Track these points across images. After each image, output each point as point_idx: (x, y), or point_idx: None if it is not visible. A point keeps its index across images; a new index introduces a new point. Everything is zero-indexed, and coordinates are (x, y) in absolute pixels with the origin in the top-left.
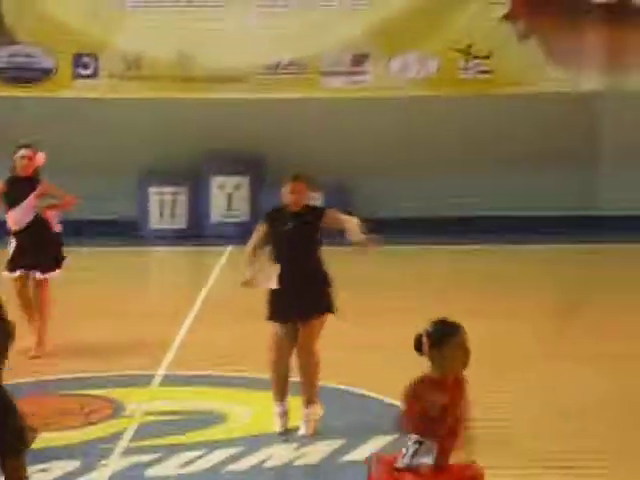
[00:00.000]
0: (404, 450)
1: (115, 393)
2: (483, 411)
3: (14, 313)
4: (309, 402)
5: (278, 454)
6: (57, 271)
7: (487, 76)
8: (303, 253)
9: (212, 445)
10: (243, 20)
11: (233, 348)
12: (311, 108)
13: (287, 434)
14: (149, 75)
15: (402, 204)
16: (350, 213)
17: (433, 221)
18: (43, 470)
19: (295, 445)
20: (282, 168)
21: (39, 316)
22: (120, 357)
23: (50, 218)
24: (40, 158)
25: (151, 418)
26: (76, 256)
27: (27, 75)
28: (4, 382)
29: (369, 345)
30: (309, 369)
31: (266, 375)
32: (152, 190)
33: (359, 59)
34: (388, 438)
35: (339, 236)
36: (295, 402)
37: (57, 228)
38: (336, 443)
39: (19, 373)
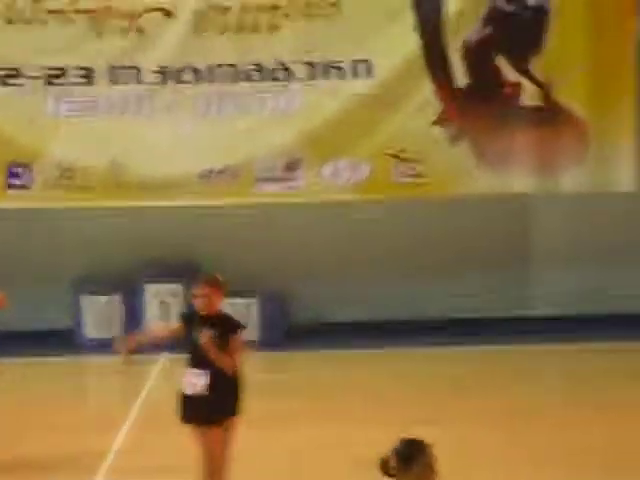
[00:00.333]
0: None
1: None
2: None
3: None
4: None
5: None
6: None
7: (418, 180)
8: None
9: None
10: (177, 128)
11: (170, 456)
12: (245, 214)
13: None
14: (82, 184)
15: (339, 308)
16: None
17: (370, 325)
18: None
19: None
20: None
21: None
22: (55, 472)
23: None
24: None
25: None
26: (8, 367)
27: None
28: None
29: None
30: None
31: None
32: (85, 298)
33: (292, 165)
34: None
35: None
36: None
37: None
38: None
39: None
